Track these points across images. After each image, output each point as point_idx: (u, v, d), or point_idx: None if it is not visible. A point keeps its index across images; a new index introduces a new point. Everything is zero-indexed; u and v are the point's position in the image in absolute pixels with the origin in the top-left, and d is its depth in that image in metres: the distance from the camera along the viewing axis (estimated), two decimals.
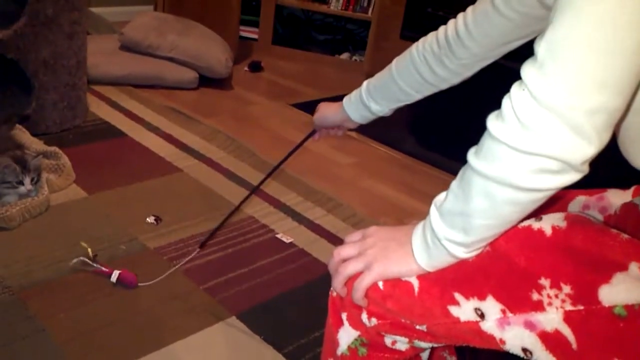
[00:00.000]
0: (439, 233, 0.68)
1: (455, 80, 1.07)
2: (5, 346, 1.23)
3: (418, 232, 0.72)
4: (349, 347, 0.79)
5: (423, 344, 0.77)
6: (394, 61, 1.13)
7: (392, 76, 1.13)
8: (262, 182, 1.60)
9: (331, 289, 0.80)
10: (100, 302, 1.39)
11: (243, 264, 1.59)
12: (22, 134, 2.04)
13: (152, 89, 2.73)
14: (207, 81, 2.86)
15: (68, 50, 2.12)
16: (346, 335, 0.79)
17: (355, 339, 0.79)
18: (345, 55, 3.54)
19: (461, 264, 0.71)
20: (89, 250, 1.50)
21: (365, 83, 1.19)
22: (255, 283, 1.52)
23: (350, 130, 1.32)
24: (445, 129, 2.53)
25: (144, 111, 2.48)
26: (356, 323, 0.78)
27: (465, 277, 0.71)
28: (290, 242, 1.71)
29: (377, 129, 2.58)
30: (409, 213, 1.98)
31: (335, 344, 0.81)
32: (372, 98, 1.17)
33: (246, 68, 3.24)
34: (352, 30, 3.76)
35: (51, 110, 2.15)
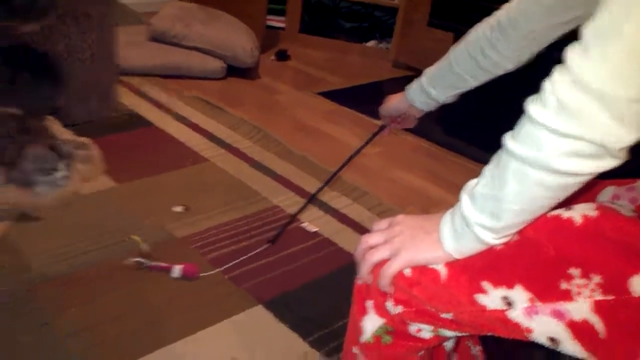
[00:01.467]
0: (469, 218, 0.68)
1: (509, 65, 1.08)
2: (22, 335, 1.25)
3: (447, 218, 0.72)
4: (373, 334, 0.79)
5: (448, 333, 0.77)
6: (452, 47, 1.14)
7: (449, 62, 1.14)
8: (330, 181, 1.61)
9: (356, 277, 0.80)
10: (124, 291, 1.41)
11: (269, 253, 1.59)
12: (53, 125, 2.08)
13: (179, 79, 2.75)
14: (234, 70, 2.87)
15: (97, 42, 2.14)
16: (371, 323, 0.79)
17: (380, 327, 0.79)
18: (372, 43, 3.51)
19: (489, 252, 0.70)
20: (141, 244, 1.52)
21: (426, 70, 1.21)
22: (281, 272, 1.53)
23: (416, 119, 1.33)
24: (474, 118, 2.50)
25: (171, 101, 2.50)
26: (381, 311, 0.78)
27: (493, 265, 0.70)
28: (316, 232, 1.71)
29: None
30: (436, 202, 1.97)
31: (359, 331, 0.81)
32: (432, 84, 1.19)
33: (273, 57, 3.25)
34: (379, 17, 3.73)
35: (81, 102, 2.18)
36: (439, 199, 1.99)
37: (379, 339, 0.79)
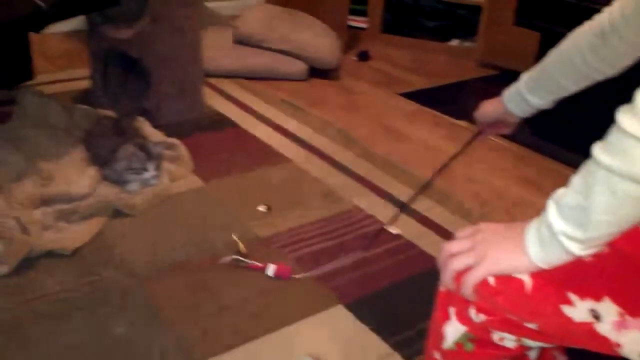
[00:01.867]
0: (555, 228, 0.67)
1: (610, 71, 1.04)
2: (129, 326, 1.32)
3: (532, 227, 0.71)
4: (455, 342, 0.79)
5: (531, 343, 0.76)
6: (550, 52, 1.11)
7: (547, 67, 1.11)
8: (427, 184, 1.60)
9: (439, 282, 0.80)
10: (215, 287, 1.46)
11: (350, 254, 1.61)
12: (143, 125, 2.18)
13: (263, 81, 2.81)
14: (316, 71, 2.90)
15: (185, 45, 2.22)
16: (453, 330, 0.79)
17: (462, 334, 0.78)
18: (455, 42, 3.46)
19: (576, 263, 0.69)
20: (241, 245, 1.58)
21: (523, 75, 1.18)
22: (363, 273, 1.54)
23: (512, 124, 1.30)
24: (563, 119, 2.41)
25: (256, 102, 2.56)
26: (464, 318, 0.77)
27: (580, 276, 0.69)
28: (398, 234, 1.71)
29: None
30: (520, 205, 1.92)
31: (441, 337, 0.81)
32: (529, 90, 1.16)
33: (354, 57, 3.26)
34: (463, 15, 3.67)
35: (169, 103, 2.27)
36: (523, 202, 1.94)
37: (462, 346, 0.79)
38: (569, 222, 0.66)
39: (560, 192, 0.69)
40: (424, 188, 1.57)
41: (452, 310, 0.79)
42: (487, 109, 1.29)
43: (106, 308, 1.37)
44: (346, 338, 1.34)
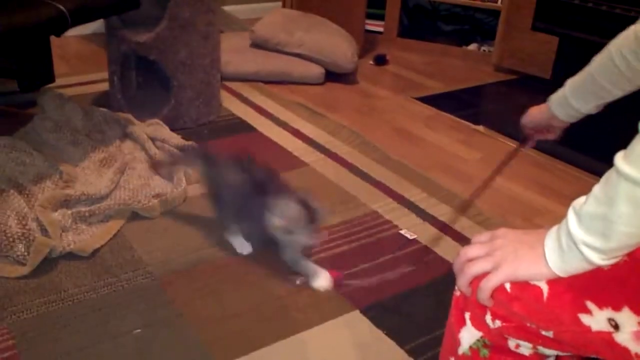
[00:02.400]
0: (575, 237, 0.67)
1: None
2: (146, 327, 1.33)
3: (552, 235, 0.71)
4: (470, 347, 0.79)
5: (547, 351, 0.75)
6: (595, 57, 1.12)
7: (591, 72, 1.12)
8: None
9: (455, 287, 0.80)
10: (231, 290, 1.47)
11: (367, 259, 1.61)
12: (162, 128, 2.19)
13: (280, 85, 2.82)
14: (333, 76, 2.90)
15: (203, 49, 2.24)
16: (468, 335, 0.79)
17: (478, 340, 0.78)
18: (473, 46, 3.45)
19: (595, 272, 0.68)
20: None
21: (568, 80, 1.19)
22: (379, 278, 1.54)
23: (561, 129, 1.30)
24: (584, 125, 2.40)
25: (272, 106, 2.57)
26: (479, 324, 0.77)
27: (599, 285, 0.68)
28: (414, 239, 1.70)
29: (506, 123, 2.50)
30: (539, 212, 1.91)
31: (456, 342, 0.81)
32: (574, 95, 1.17)
33: (371, 62, 3.26)
34: (481, 19, 3.66)
35: (188, 107, 2.28)
36: (543, 209, 1.93)
37: (477, 351, 0.79)
38: (589, 232, 0.66)
39: (581, 200, 0.68)
40: (466, 206, 1.56)
41: (467, 315, 0.79)
42: (534, 113, 1.30)
43: (123, 310, 1.38)
44: (362, 344, 1.34)
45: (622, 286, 0.67)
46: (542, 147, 2.33)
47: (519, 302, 0.72)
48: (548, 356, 0.79)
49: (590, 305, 0.68)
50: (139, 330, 1.32)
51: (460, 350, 0.80)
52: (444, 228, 1.77)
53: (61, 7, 1.76)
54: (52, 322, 1.34)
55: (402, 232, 1.73)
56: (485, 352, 0.78)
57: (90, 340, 1.29)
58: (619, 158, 0.63)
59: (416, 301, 1.47)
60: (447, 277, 1.55)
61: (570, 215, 0.68)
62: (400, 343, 1.33)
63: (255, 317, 1.39)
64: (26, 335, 1.29)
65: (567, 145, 2.30)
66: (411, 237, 1.71)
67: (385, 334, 1.36)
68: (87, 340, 1.29)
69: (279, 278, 1.51)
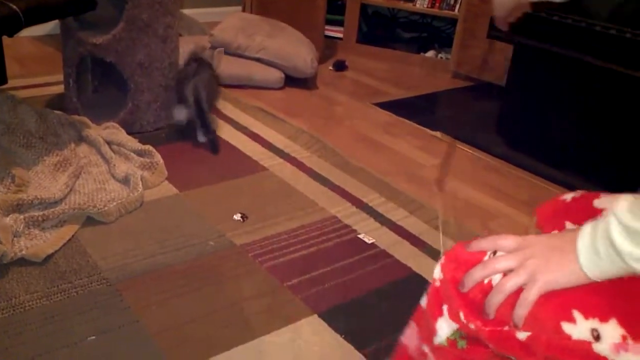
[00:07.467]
0: (620, 248, 0.64)
1: None
2: (101, 334, 1.31)
3: (585, 240, 0.68)
4: (448, 338, 0.78)
5: None
6: None
7: None
8: None
9: (433, 278, 0.78)
10: (189, 295, 1.45)
11: (325, 263, 1.61)
12: (118, 132, 2.16)
13: (240, 89, 2.81)
14: (292, 80, 2.91)
15: (162, 52, 2.21)
16: (446, 326, 0.77)
17: (455, 331, 0.76)
18: (431, 53, 3.50)
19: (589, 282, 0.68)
20: None
21: None
22: (337, 282, 1.54)
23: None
24: (536, 131, 2.46)
25: (232, 111, 2.56)
26: (455, 318, 0.76)
27: (589, 296, 0.68)
28: (372, 243, 1.72)
29: (462, 130, 2.55)
30: (494, 216, 1.94)
31: (432, 332, 0.79)
32: None
33: (331, 67, 3.27)
34: (439, 27, 3.72)
35: (145, 110, 2.25)
36: (497, 213, 1.96)
37: (454, 343, 0.77)
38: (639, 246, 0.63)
39: (623, 207, 0.65)
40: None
41: (445, 308, 0.77)
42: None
43: (77, 317, 1.35)
44: (320, 348, 1.34)
45: (614, 299, 0.66)
46: (497, 153, 2.38)
47: (502, 304, 0.71)
48: None
49: (576, 314, 0.67)
50: (93, 338, 1.30)
51: (437, 340, 0.78)
52: (402, 232, 1.78)
53: (14, 6, 1.71)
54: (2, 330, 1.30)
55: (361, 236, 1.74)
56: (462, 343, 0.76)
57: (43, 349, 1.26)
58: None
59: (375, 305, 1.48)
60: (406, 280, 1.56)
61: (614, 225, 0.65)
62: (359, 347, 1.33)
63: (212, 323, 1.38)
64: None
65: (521, 151, 2.35)
66: (369, 242, 1.72)
67: (344, 338, 1.36)
68: (40, 349, 1.26)
69: (236, 283, 1.50)
